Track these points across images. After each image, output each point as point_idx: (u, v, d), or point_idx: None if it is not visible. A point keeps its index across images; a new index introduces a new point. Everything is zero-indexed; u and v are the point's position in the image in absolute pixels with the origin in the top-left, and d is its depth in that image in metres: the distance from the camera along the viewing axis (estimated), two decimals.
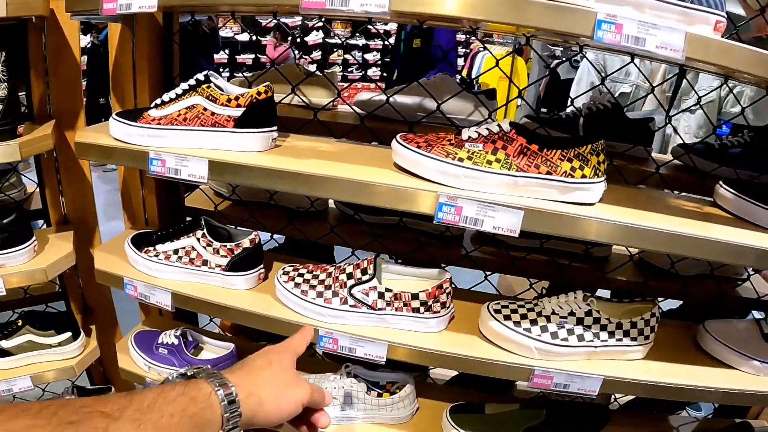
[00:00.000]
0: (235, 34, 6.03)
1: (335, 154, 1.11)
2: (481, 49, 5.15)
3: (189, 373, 0.55)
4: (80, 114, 1.48)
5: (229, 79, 1.28)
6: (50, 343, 1.45)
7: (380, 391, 1.26)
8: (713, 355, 1.14)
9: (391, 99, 1.25)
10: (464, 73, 5.26)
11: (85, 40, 4.59)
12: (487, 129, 0.98)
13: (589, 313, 1.06)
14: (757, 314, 1.39)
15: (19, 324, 1.43)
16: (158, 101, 1.13)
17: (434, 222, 0.95)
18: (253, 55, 6.36)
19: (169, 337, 1.33)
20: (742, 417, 1.36)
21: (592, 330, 1.06)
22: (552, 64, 4.45)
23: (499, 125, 0.98)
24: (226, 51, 6.09)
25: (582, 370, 1.05)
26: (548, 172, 0.95)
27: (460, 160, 0.95)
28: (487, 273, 1.37)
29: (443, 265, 1.41)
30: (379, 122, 1.30)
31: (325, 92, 1.40)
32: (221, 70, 6.04)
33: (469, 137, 0.98)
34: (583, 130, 1.33)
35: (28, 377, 1.41)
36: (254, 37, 6.14)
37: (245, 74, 1.41)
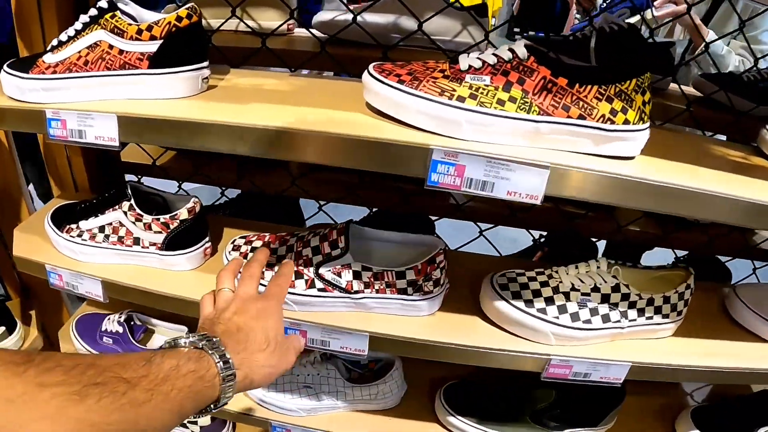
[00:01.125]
0: None
1: (286, 94, 0.75)
2: None
3: (199, 345, 0.51)
4: None
5: None
6: None
7: (361, 372, 0.99)
8: (744, 325, 0.88)
9: (359, 18, 0.88)
10: None
11: None
12: (494, 55, 0.63)
13: (616, 288, 0.77)
14: None
15: None
16: (54, 42, 0.74)
17: (426, 186, 0.63)
18: None
19: (112, 323, 1.02)
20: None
21: (619, 308, 0.78)
22: None
23: (511, 50, 0.63)
24: None
25: (606, 356, 0.78)
26: (581, 116, 0.62)
27: (461, 99, 0.61)
28: (483, 228, 1.06)
29: (432, 218, 1.11)
30: (346, 48, 0.93)
31: (277, 14, 1.01)
32: None
33: (470, 67, 0.63)
34: (595, 56, 0.98)
35: None
36: None
37: None
